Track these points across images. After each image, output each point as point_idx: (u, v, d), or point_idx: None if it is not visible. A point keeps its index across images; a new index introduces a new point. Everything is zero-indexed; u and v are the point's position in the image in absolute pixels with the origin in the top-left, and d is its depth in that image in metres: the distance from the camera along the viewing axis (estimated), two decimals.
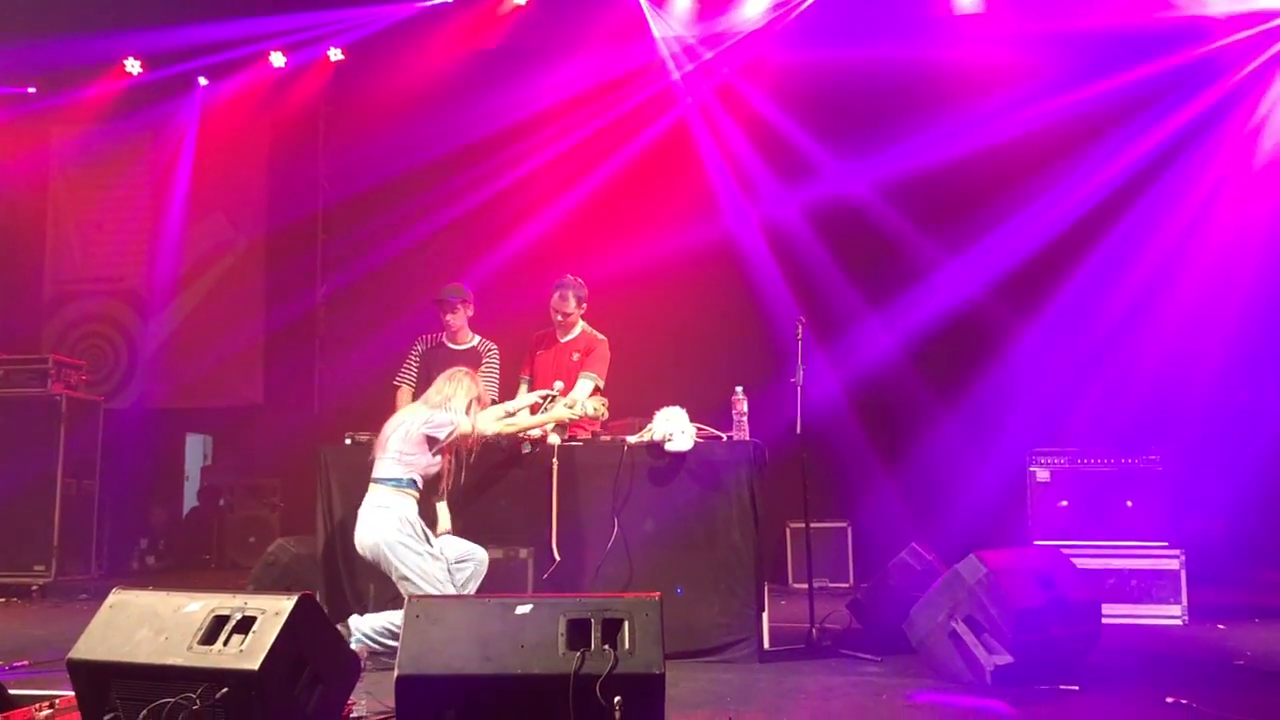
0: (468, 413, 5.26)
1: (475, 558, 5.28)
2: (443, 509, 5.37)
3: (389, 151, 10.35)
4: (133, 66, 10.95)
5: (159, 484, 11.60)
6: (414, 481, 5.15)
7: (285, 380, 11.18)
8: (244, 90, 11.20)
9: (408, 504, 5.12)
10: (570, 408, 5.76)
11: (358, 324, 10.51)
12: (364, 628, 5.02)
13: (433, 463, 5.21)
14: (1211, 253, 8.57)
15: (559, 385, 5.97)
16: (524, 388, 6.59)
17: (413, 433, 5.18)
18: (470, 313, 6.68)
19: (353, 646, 5.05)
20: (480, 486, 5.70)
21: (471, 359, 6.59)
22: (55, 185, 11.86)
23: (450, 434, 5.20)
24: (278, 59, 10.91)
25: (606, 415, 5.82)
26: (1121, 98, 8.94)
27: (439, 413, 5.23)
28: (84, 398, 9.36)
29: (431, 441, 5.19)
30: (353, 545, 5.56)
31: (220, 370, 11.29)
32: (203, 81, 11.30)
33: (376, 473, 5.22)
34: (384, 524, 5.04)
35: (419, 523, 5.12)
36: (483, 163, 10.20)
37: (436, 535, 5.25)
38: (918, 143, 9.09)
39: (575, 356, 6.40)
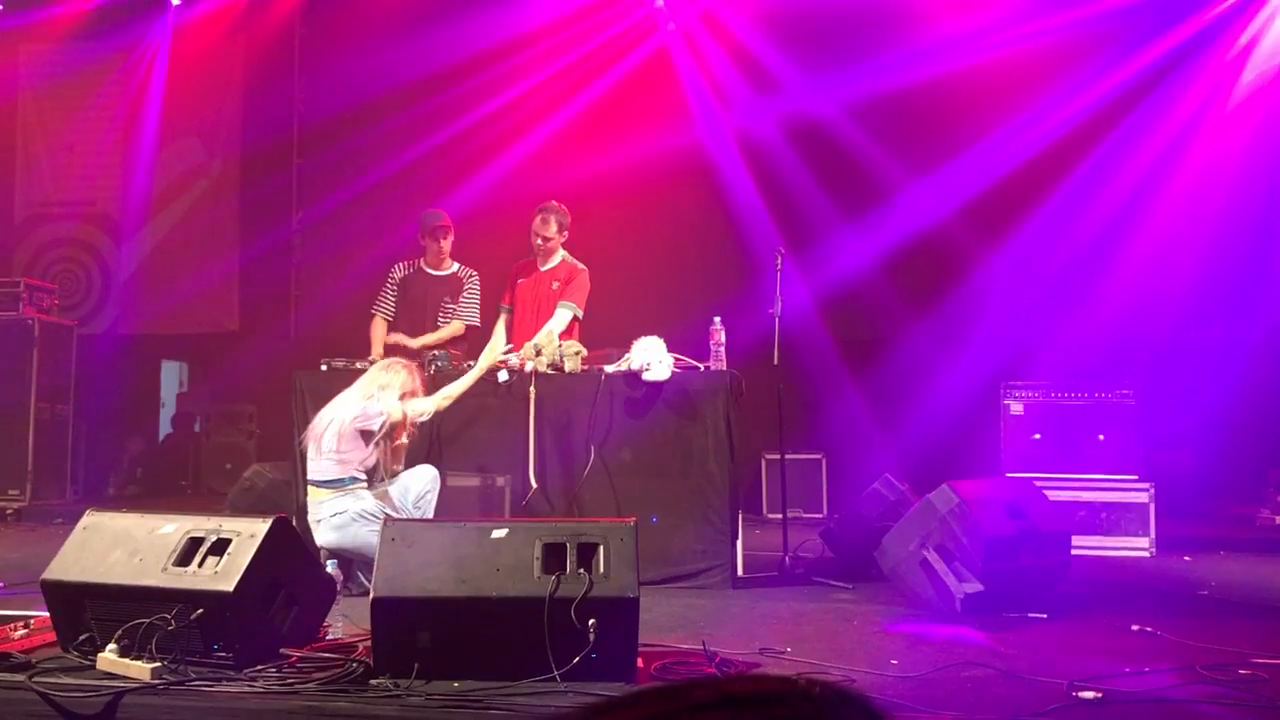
0: (401, 400, 5.20)
1: (429, 480, 5.26)
2: (387, 493, 5.22)
3: (365, 73, 10.16)
4: None
5: (135, 410, 11.54)
6: (355, 478, 5.12)
7: (261, 306, 11.09)
8: (217, 9, 10.94)
9: (361, 498, 5.09)
10: (538, 354, 5.71)
11: (334, 249, 10.41)
12: None
13: (369, 455, 5.16)
14: (1188, 185, 8.55)
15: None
16: (504, 317, 6.57)
17: (345, 430, 5.11)
18: (451, 238, 6.66)
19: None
20: (458, 415, 5.70)
21: (453, 285, 6.58)
22: (24, 105, 11.60)
23: (383, 424, 5.14)
24: None
25: (579, 365, 5.77)
26: (1101, 23, 8.85)
27: (371, 403, 5.15)
28: (57, 322, 9.26)
29: (366, 435, 5.13)
30: None
31: (195, 296, 11.18)
32: (175, 0, 11.05)
33: (314, 474, 5.17)
34: (343, 526, 5.04)
35: (376, 504, 5.08)
36: (461, 86, 10.03)
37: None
38: (893, 63, 9.00)
39: (555, 285, 6.37)
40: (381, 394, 5.18)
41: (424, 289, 6.57)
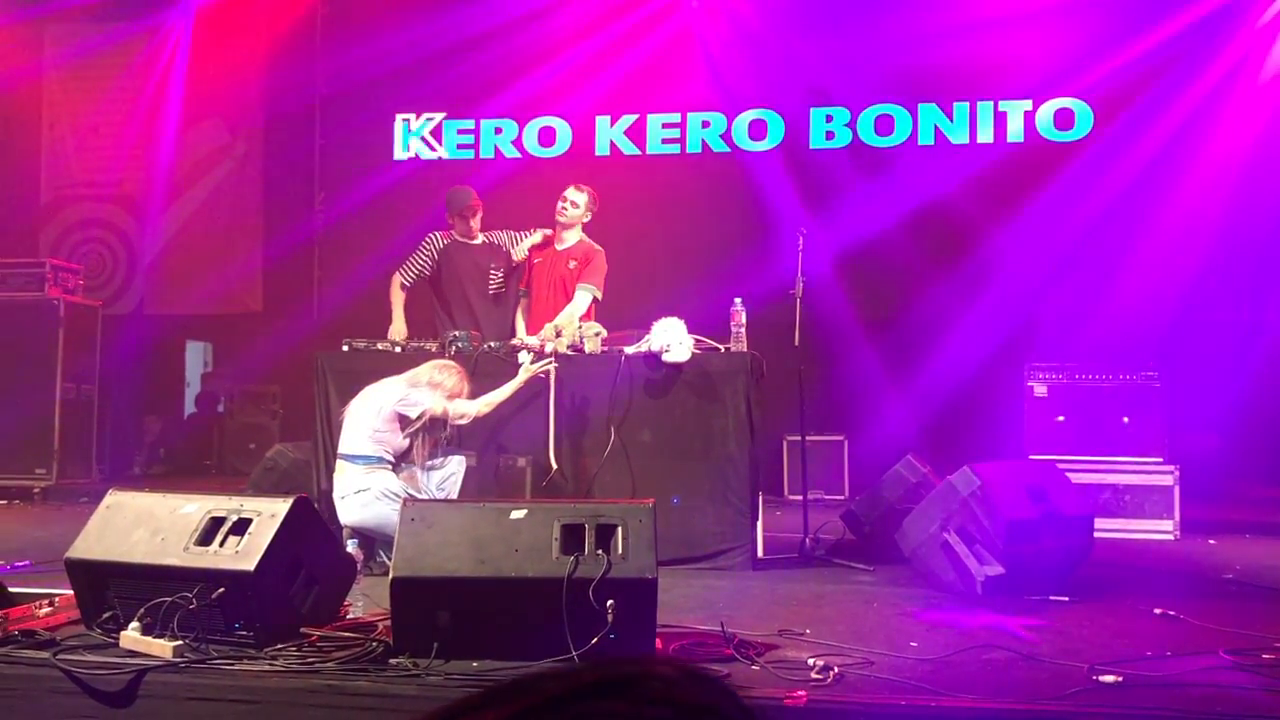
0: (448, 400, 5.23)
1: (454, 462, 5.34)
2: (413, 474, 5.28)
3: (387, 52, 10.14)
4: None
5: (159, 390, 11.62)
6: (383, 459, 5.17)
7: (285, 287, 11.11)
8: None
9: (385, 477, 5.13)
10: (559, 335, 5.71)
11: (357, 229, 10.41)
12: None
13: (402, 444, 5.21)
14: (1216, 164, 8.44)
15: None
16: (522, 302, 6.56)
17: (385, 409, 5.16)
18: (481, 214, 6.67)
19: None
20: (480, 396, 5.70)
21: (490, 252, 6.53)
22: (49, 87, 11.64)
23: (421, 416, 5.18)
24: None
25: (599, 346, 5.76)
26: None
27: (416, 391, 5.20)
28: (82, 302, 9.31)
29: (403, 421, 5.17)
30: None
31: (220, 277, 11.21)
32: None
33: (346, 446, 5.21)
34: (368, 504, 5.08)
35: (400, 484, 5.14)
36: (484, 62, 9.98)
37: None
38: (921, 40, 8.97)
39: (571, 265, 6.35)
40: (430, 388, 5.23)
41: (473, 260, 6.51)
